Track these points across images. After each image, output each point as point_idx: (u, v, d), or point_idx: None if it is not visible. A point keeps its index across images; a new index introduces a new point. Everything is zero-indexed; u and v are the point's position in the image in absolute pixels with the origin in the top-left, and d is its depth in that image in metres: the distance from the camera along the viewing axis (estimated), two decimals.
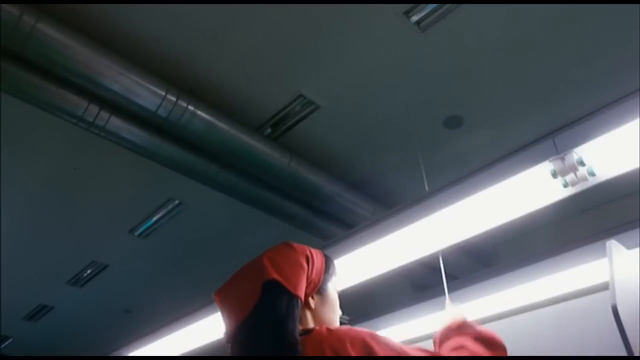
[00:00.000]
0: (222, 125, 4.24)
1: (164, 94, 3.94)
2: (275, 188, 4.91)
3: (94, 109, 4.00)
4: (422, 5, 3.68)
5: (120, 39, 3.91)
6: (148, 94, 3.88)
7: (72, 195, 5.65)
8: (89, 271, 7.29)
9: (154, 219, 6.18)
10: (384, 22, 3.81)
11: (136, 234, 6.43)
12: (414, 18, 3.77)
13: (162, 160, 4.47)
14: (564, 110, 4.52)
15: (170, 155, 4.43)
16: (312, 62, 4.14)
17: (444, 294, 2.01)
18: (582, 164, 1.60)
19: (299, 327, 1.34)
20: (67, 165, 5.23)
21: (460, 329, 1.51)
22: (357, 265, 2.19)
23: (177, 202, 5.84)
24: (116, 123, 4.12)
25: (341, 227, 5.50)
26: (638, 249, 1.83)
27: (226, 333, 1.43)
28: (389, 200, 5.68)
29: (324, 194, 4.90)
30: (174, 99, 3.98)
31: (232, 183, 4.78)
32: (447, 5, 3.68)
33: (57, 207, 5.82)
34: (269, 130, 4.80)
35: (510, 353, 1.45)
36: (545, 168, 1.67)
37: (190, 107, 4.06)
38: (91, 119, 4.02)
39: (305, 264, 1.46)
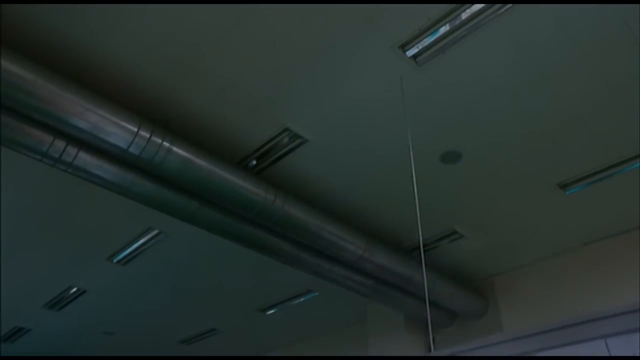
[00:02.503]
0: (200, 161, 3.90)
1: (136, 129, 3.60)
2: (260, 224, 4.58)
3: (59, 144, 3.65)
4: (418, 39, 3.36)
5: (87, 70, 3.57)
6: (118, 131, 3.53)
7: (48, 222, 5.33)
8: (66, 296, 6.99)
9: (134, 246, 5.85)
10: (378, 55, 3.49)
11: (115, 260, 6.11)
12: (410, 52, 3.45)
13: (136, 197, 4.12)
14: (568, 147, 4.32)
15: (146, 192, 4.08)
16: (299, 96, 3.81)
17: None
18: None
19: None
20: (41, 192, 4.90)
21: None
22: None
23: (156, 231, 5.51)
24: (85, 159, 3.77)
25: (329, 263, 5.20)
26: None
27: None
28: (382, 234, 5.38)
29: (311, 231, 4.57)
30: (147, 134, 3.64)
31: (214, 219, 4.44)
32: (446, 40, 3.36)
33: (32, 232, 5.50)
34: (254, 162, 4.47)
35: None
36: None
37: (166, 143, 3.73)
38: (57, 155, 3.67)
39: None
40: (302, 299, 7.13)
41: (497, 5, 3.14)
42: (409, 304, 5.93)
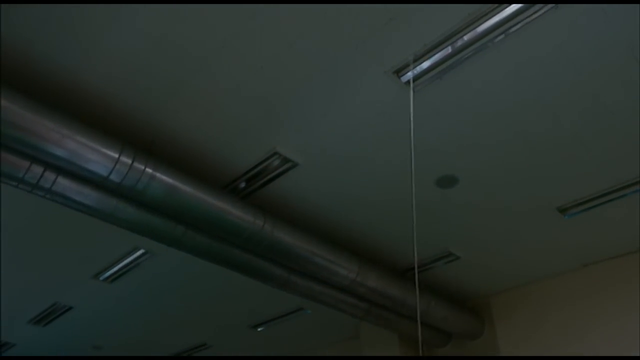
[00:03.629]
0: (185, 187, 3.73)
1: (117, 155, 3.42)
2: (249, 249, 4.42)
3: (37, 169, 3.46)
4: (413, 65, 3.21)
5: (65, 95, 3.40)
6: (98, 157, 3.36)
7: (34, 239, 5.15)
8: (52, 312, 6.81)
9: (120, 265, 5.68)
10: (372, 80, 3.33)
11: (101, 278, 5.93)
12: (405, 78, 3.29)
13: (119, 223, 3.95)
14: (567, 172, 4.17)
15: (129, 218, 3.91)
16: (288, 120, 3.65)
17: None
18: None
19: None
20: (25, 210, 4.72)
21: None
22: None
23: (142, 251, 5.34)
24: (64, 184, 3.59)
25: (321, 285, 5.04)
26: None
27: None
28: (375, 256, 5.23)
29: (302, 256, 4.41)
30: (129, 161, 3.47)
31: (201, 244, 4.27)
32: (442, 66, 3.20)
33: (18, 249, 5.31)
34: (243, 185, 4.31)
35: None
36: None
37: (149, 170, 3.55)
38: (34, 181, 3.49)
39: None
40: (293, 316, 6.97)
41: (495, 33, 2.99)
42: (402, 325, 5.78)
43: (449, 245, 5.15)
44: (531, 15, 2.88)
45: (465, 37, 3.03)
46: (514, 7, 2.86)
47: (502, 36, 3.00)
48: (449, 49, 3.10)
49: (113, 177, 3.45)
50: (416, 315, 5.42)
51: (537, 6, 2.83)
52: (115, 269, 5.73)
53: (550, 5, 2.83)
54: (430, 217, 4.65)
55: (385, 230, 4.85)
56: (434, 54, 3.14)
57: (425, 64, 3.20)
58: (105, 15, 2.94)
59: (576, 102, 3.46)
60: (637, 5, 2.83)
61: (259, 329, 7.40)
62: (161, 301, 6.55)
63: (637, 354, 4.90)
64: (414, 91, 3.39)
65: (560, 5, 2.84)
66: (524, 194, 4.34)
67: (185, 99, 3.48)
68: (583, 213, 4.59)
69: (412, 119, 3.22)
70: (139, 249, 5.32)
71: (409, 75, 3.27)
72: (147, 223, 3.99)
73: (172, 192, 3.68)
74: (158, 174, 3.60)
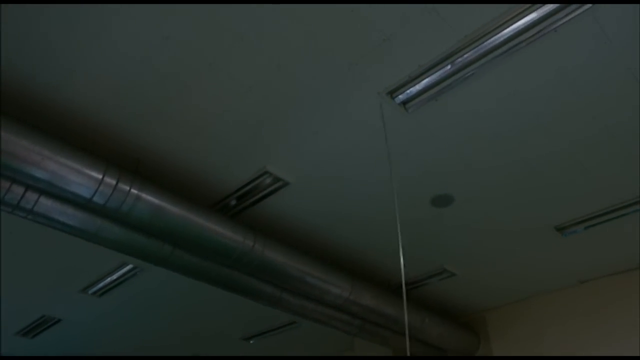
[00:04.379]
0: (172, 208, 3.61)
1: (100, 176, 3.30)
2: (239, 269, 4.30)
3: (18, 189, 3.34)
4: (408, 86, 3.10)
5: (46, 114, 3.28)
6: (80, 179, 3.24)
7: (21, 253, 5.02)
8: (39, 324, 6.68)
9: (108, 280, 5.55)
10: (365, 101, 3.22)
11: (90, 292, 5.81)
12: (400, 98, 3.19)
13: (105, 243, 3.83)
14: (565, 191, 4.08)
15: (115, 238, 3.79)
16: (279, 140, 3.54)
17: None
18: None
19: None
20: (12, 224, 4.59)
21: None
22: None
23: (131, 266, 5.22)
24: (47, 204, 3.47)
25: (314, 303, 4.93)
26: None
27: None
28: (369, 273, 5.13)
29: (294, 276, 4.30)
30: (113, 181, 3.35)
31: (190, 263, 4.15)
32: (438, 87, 3.10)
33: (5, 261, 5.18)
34: (234, 202, 4.19)
35: None
36: None
37: (134, 190, 3.43)
38: (15, 202, 3.36)
39: None
40: (286, 329, 6.86)
41: (492, 56, 2.88)
42: (397, 342, 5.68)
43: (444, 262, 5.05)
44: (529, 38, 2.78)
45: (461, 59, 2.92)
46: (511, 29, 2.75)
47: (499, 59, 2.90)
48: (445, 71, 3.00)
49: (96, 198, 3.33)
50: (411, 332, 5.35)
51: (535, 29, 2.73)
52: (104, 283, 5.61)
53: (549, 29, 2.73)
54: (425, 235, 4.55)
55: (379, 247, 4.74)
56: (429, 76, 3.03)
57: (420, 86, 3.10)
58: (87, 34, 2.82)
59: (575, 124, 3.37)
60: (638, 27, 2.73)
61: (251, 342, 7.29)
62: (151, 314, 6.43)
63: None
64: (408, 112, 3.29)
65: (559, 29, 2.74)
66: (521, 213, 4.24)
67: (171, 118, 3.37)
68: (581, 232, 4.49)
69: (387, 136, 3.12)
70: (127, 264, 5.20)
71: (403, 96, 3.16)
72: (133, 243, 3.87)
73: (158, 213, 3.56)
74: (144, 195, 3.49)
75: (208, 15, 2.71)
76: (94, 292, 5.81)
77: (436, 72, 3.01)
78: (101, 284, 5.64)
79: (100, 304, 6.06)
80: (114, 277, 5.46)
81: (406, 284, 5.45)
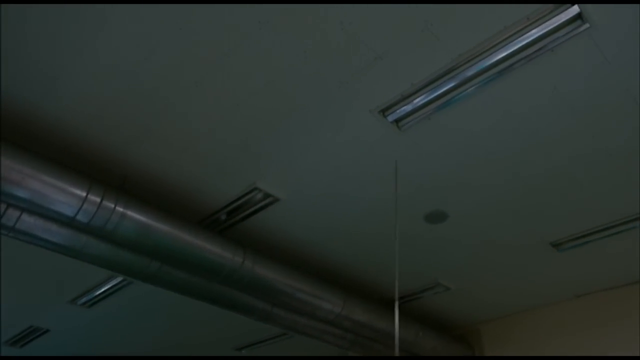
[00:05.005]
0: (159, 225, 3.52)
1: (84, 194, 3.21)
2: (229, 285, 4.21)
3: None
4: (400, 104, 3.02)
5: (28, 131, 3.19)
6: (63, 197, 3.15)
7: (8, 263, 4.93)
8: (28, 334, 6.59)
9: (97, 292, 5.46)
10: (356, 119, 3.14)
11: (79, 303, 5.71)
12: (392, 117, 3.11)
13: (90, 260, 3.74)
14: (561, 208, 4.00)
15: (100, 254, 3.70)
16: (268, 156, 3.46)
17: None
18: None
19: None
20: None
21: None
22: None
23: (121, 277, 5.12)
24: (29, 222, 3.38)
25: (305, 318, 4.85)
26: None
27: None
28: (362, 288, 5.05)
29: (285, 292, 4.21)
30: (97, 199, 3.26)
31: (178, 280, 4.07)
32: (432, 105, 3.02)
33: None
34: (224, 217, 4.10)
35: None
36: None
37: (119, 208, 3.34)
38: None
39: None
40: (279, 339, 6.77)
41: (486, 75, 2.80)
42: (389, 355, 5.60)
43: (438, 276, 4.97)
44: (523, 58, 2.70)
45: (456, 78, 2.84)
46: (507, 49, 2.67)
47: (494, 78, 2.82)
48: (438, 90, 2.91)
49: (80, 217, 3.23)
50: (404, 346, 5.28)
51: (530, 49, 2.65)
52: (93, 295, 5.52)
53: (545, 49, 2.65)
54: (419, 250, 4.47)
55: (372, 262, 4.67)
56: (422, 94, 2.95)
57: (413, 104, 3.01)
58: (69, 49, 2.73)
59: (572, 143, 3.29)
60: (637, 49, 2.66)
61: (243, 351, 7.20)
62: (141, 325, 6.34)
63: None
64: (401, 130, 3.21)
65: (556, 48, 2.66)
66: (517, 230, 4.17)
67: (158, 135, 3.28)
68: (577, 247, 4.42)
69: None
70: (117, 276, 5.10)
71: (395, 114, 3.08)
72: (120, 260, 3.78)
73: (145, 231, 3.47)
74: (129, 212, 3.40)
75: (194, 32, 2.63)
76: (84, 303, 5.72)
77: (430, 90, 2.93)
78: (90, 296, 5.55)
79: (89, 314, 5.97)
80: (104, 288, 5.37)
81: (400, 298, 5.37)
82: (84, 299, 5.62)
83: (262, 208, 3.94)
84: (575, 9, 2.48)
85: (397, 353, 3.09)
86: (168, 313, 6.05)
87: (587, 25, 2.54)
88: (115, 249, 3.73)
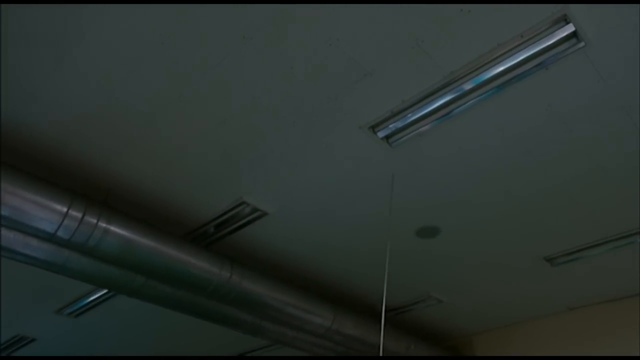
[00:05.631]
0: (143, 240, 3.43)
1: (65, 209, 3.11)
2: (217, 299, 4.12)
3: None
4: (390, 121, 2.94)
5: (7, 146, 3.09)
6: (43, 213, 3.05)
7: None
8: (14, 342, 6.47)
9: (85, 302, 5.36)
10: (345, 135, 3.06)
11: (65, 313, 5.61)
12: (382, 133, 3.03)
13: (72, 275, 3.63)
14: (556, 224, 3.93)
15: (83, 270, 3.59)
16: (255, 171, 3.38)
17: None
18: None
19: None
20: None
21: None
22: None
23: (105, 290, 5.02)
24: (9, 237, 3.26)
25: (295, 330, 4.76)
26: None
27: None
28: (352, 301, 4.97)
29: (273, 306, 4.12)
30: (79, 214, 3.16)
31: (164, 294, 3.96)
32: (423, 122, 2.94)
33: None
34: (211, 230, 4.02)
35: None
36: None
37: (102, 223, 3.25)
38: None
39: None
40: (274, 348, 6.68)
41: (479, 92, 2.73)
42: None
43: (430, 290, 4.89)
44: (516, 76, 2.62)
45: (447, 96, 2.77)
46: (500, 67, 2.59)
47: (487, 95, 2.75)
48: (430, 107, 2.83)
49: (61, 233, 3.14)
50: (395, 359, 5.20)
51: (524, 67, 2.58)
52: (80, 305, 5.42)
53: (540, 67, 2.57)
54: (410, 264, 4.40)
55: (363, 275, 4.59)
56: (413, 111, 2.87)
57: (403, 121, 2.93)
58: (49, 61, 2.64)
59: (567, 160, 3.21)
60: (633, 66, 2.59)
61: None
62: (129, 334, 6.23)
63: None
64: (391, 147, 3.13)
65: (550, 66, 2.59)
66: (510, 245, 4.10)
67: (141, 149, 3.20)
68: (571, 262, 4.36)
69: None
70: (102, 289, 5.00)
71: (386, 131, 3.00)
72: (103, 275, 3.67)
73: (128, 246, 3.38)
74: (112, 227, 3.30)
75: (176, 46, 2.54)
76: (70, 313, 5.62)
77: (421, 107, 2.85)
78: (78, 305, 5.45)
79: (76, 324, 5.86)
80: (91, 298, 5.26)
81: (391, 310, 5.30)
82: (70, 309, 5.52)
83: (250, 222, 3.85)
84: (570, 27, 2.41)
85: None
86: (156, 323, 5.95)
87: (583, 43, 2.47)
88: (99, 263, 3.62)
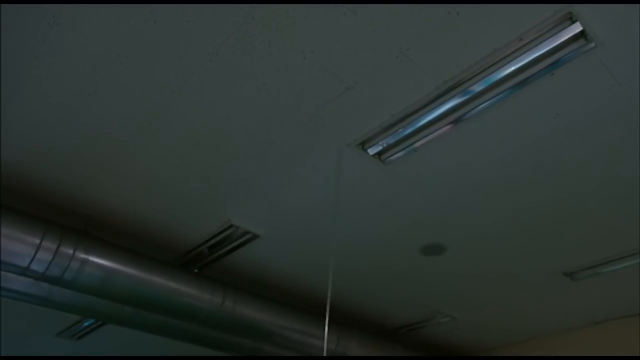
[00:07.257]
0: (126, 269, 3.23)
1: (38, 241, 2.93)
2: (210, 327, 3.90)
3: None
4: (381, 137, 2.67)
5: None
6: (14, 245, 2.87)
7: None
8: None
9: (86, 324, 5.21)
10: (332, 153, 2.79)
11: (66, 336, 5.48)
12: (373, 150, 2.75)
13: (56, 307, 3.48)
14: (574, 239, 3.60)
15: (67, 302, 3.44)
16: (239, 193, 3.15)
17: None
18: None
19: None
20: None
21: None
22: None
23: None
24: None
25: (299, 353, 4.51)
26: None
27: None
28: (355, 323, 4.70)
29: (272, 332, 3.89)
30: (53, 245, 2.98)
31: (157, 323, 3.79)
32: (417, 136, 2.66)
33: None
34: (205, 252, 3.79)
35: None
36: None
37: (80, 254, 3.06)
38: None
39: None
40: None
41: (477, 102, 2.43)
42: None
43: (441, 307, 4.58)
44: (518, 83, 2.32)
45: (441, 107, 2.48)
46: (498, 74, 2.29)
47: (485, 106, 2.45)
48: (423, 120, 2.55)
49: (34, 266, 2.95)
50: None
51: (526, 73, 2.27)
52: (81, 327, 5.28)
53: (544, 72, 2.27)
54: (417, 282, 4.10)
55: (365, 293, 4.31)
56: (404, 126, 2.58)
57: (395, 136, 2.65)
58: (9, 87, 2.45)
59: (580, 171, 2.88)
60: None
61: None
62: (133, 352, 6.09)
63: None
64: (384, 163, 2.85)
65: (557, 71, 2.28)
66: (525, 260, 3.77)
67: (117, 176, 2.99)
68: (593, 277, 4.00)
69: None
70: None
71: (376, 147, 2.73)
72: (90, 306, 3.52)
73: (110, 277, 3.18)
74: (92, 257, 3.11)
75: (136, 66, 2.31)
76: (72, 336, 5.49)
77: (413, 121, 2.56)
78: (79, 328, 5.31)
79: (79, 346, 5.74)
80: (92, 320, 5.12)
81: (403, 327, 5.01)
82: (71, 332, 5.39)
83: (242, 244, 3.62)
84: (577, 26, 2.09)
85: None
86: (157, 342, 5.78)
87: (593, 44, 2.15)
88: (84, 295, 3.45)
